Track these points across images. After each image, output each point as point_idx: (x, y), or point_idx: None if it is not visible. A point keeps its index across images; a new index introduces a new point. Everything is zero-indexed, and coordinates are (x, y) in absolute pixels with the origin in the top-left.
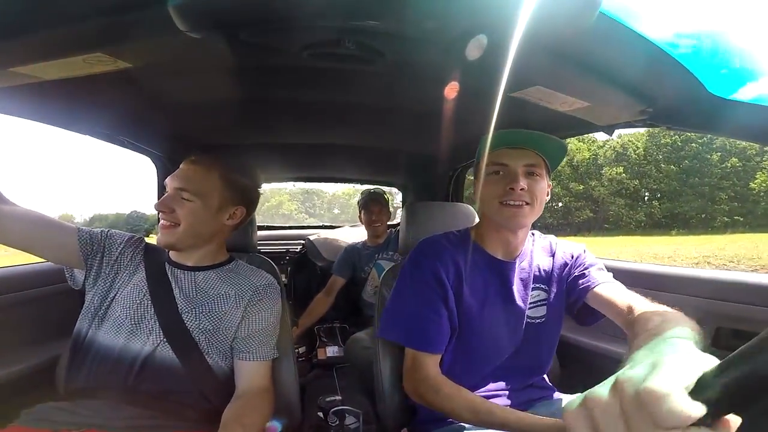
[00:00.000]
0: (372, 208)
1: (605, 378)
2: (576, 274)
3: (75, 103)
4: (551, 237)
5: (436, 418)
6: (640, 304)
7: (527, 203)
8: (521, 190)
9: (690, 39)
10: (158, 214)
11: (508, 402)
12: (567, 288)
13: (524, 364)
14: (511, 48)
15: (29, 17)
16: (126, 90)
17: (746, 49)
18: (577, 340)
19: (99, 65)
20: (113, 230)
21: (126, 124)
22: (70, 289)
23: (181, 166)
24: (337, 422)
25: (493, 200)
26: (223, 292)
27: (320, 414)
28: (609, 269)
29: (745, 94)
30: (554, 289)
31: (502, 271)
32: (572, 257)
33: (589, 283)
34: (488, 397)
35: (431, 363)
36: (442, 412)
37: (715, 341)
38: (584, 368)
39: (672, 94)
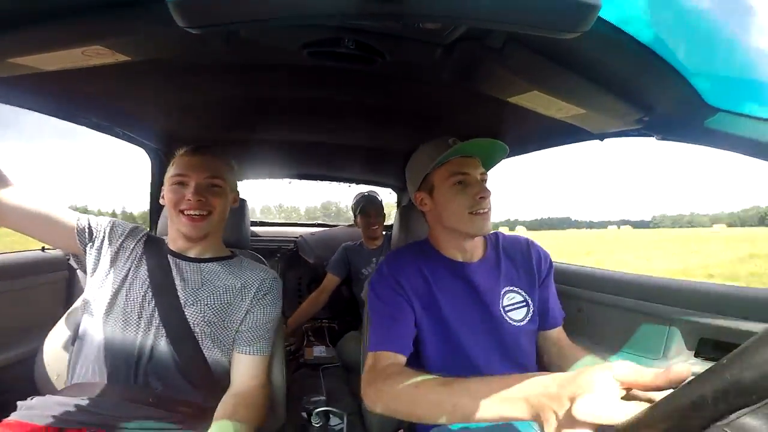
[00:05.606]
0: (369, 211)
1: None
2: (544, 297)
3: (73, 94)
4: (521, 237)
5: None
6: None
7: (488, 210)
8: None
9: (689, 48)
10: (183, 207)
11: None
12: (539, 300)
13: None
14: (510, 52)
15: (29, 8)
16: (124, 83)
17: (746, 60)
18: None
19: (97, 58)
20: (117, 220)
21: (123, 117)
22: (53, 281)
23: (189, 157)
24: (321, 423)
25: (463, 211)
26: (229, 284)
27: (304, 414)
28: (593, 276)
29: (744, 106)
30: (532, 291)
31: (465, 273)
32: (542, 266)
33: (551, 322)
34: None
35: (390, 357)
36: (410, 407)
37: (697, 352)
38: None
39: (669, 103)
